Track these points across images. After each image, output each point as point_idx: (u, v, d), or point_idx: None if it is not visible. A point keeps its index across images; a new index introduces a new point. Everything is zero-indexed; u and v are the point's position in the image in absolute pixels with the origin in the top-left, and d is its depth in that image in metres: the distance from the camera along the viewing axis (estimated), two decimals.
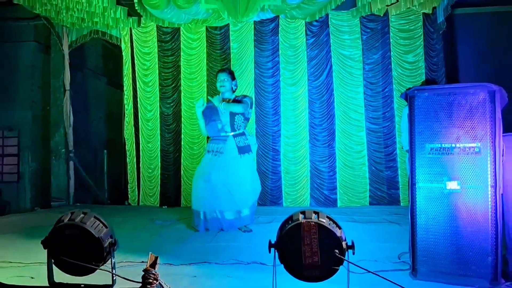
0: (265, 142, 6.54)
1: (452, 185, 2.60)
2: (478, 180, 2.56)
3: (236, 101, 4.56)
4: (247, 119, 4.64)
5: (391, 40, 6.35)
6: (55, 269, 2.41)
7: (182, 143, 6.86)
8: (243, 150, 4.51)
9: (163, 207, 6.71)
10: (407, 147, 3.48)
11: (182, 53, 6.89)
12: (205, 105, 4.65)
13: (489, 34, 6.12)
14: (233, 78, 4.64)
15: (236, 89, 4.73)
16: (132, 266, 3.03)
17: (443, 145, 2.65)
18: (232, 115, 4.47)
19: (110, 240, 2.39)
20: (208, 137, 5.04)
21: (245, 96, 4.73)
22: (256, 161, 5.97)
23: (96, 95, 8.34)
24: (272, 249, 2.28)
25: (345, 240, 2.25)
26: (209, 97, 4.64)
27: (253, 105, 4.74)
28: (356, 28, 6.43)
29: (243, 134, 4.58)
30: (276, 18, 6.55)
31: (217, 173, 4.42)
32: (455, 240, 2.60)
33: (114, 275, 2.36)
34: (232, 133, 4.50)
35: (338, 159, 6.41)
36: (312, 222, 2.22)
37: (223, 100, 4.53)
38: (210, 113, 4.58)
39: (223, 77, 4.58)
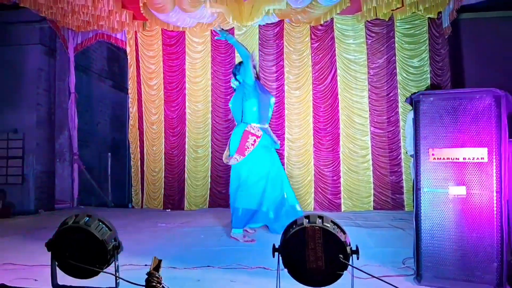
0: None
1: (457, 190, 2.60)
2: (483, 185, 2.55)
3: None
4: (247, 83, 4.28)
5: (396, 44, 6.35)
6: (58, 271, 2.42)
7: (187, 146, 6.87)
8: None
9: (167, 210, 6.73)
10: (412, 152, 3.48)
11: (187, 57, 6.91)
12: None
13: (495, 38, 6.09)
14: (236, 74, 4.47)
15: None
16: (135, 269, 3.04)
17: (448, 150, 2.64)
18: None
19: (114, 243, 2.39)
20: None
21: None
22: None
23: (101, 98, 8.39)
24: (276, 254, 2.28)
25: (349, 245, 2.24)
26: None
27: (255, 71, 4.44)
28: (361, 32, 6.44)
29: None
30: (281, 22, 6.57)
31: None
32: (460, 245, 2.60)
33: (117, 278, 2.36)
34: (267, 125, 4.49)
35: (343, 164, 6.40)
36: (316, 226, 2.21)
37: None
38: (263, 95, 4.39)
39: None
